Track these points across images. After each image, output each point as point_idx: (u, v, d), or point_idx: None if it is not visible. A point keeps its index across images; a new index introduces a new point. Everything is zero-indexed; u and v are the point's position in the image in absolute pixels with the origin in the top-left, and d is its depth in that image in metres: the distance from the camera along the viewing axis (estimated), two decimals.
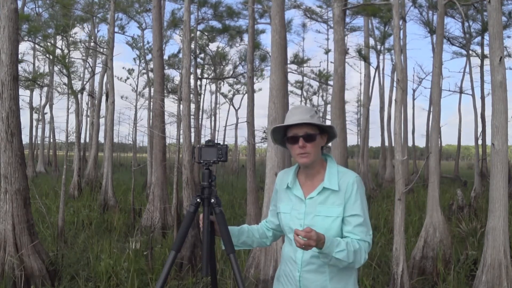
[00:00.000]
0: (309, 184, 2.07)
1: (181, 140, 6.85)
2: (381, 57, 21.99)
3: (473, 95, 18.20)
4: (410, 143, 24.11)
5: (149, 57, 20.28)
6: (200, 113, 23.19)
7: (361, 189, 1.99)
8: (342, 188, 1.98)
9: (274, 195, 2.23)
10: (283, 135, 2.10)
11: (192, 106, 11.49)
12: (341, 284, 1.99)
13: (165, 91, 14.18)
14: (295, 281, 2.02)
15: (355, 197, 1.96)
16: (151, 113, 16.32)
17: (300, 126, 1.99)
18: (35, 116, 29.45)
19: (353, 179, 1.98)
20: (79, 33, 37.29)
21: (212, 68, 22.29)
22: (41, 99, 27.60)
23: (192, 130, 10.41)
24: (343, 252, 1.84)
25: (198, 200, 2.08)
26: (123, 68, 42.06)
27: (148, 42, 21.03)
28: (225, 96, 32.17)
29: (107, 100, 14.09)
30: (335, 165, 2.07)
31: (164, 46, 14.22)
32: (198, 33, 18.16)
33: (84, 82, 23.01)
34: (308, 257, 1.98)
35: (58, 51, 13.14)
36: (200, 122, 21.15)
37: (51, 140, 29.42)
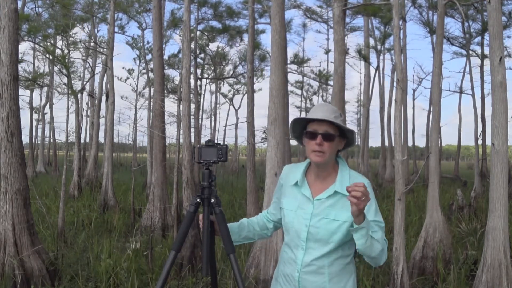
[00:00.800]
0: (318, 184, 2.03)
1: (181, 140, 6.85)
2: (381, 57, 22.01)
3: (473, 95, 18.21)
4: (410, 143, 24.12)
5: (149, 57, 20.28)
6: (200, 113, 23.19)
7: (372, 195, 1.96)
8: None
9: (278, 188, 2.19)
10: (302, 129, 2.06)
11: (192, 106, 11.49)
12: (340, 285, 1.98)
13: (165, 91, 14.18)
14: (294, 282, 2.01)
15: (369, 204, 1.93)
16: (151, 113, 16.33)
17: (321, 123, 1.95)
18: (35, 116, 29.49)
19: (365, 185, 1.97)
20: (79, 33, 37.27)
21: (212, 68, 22.29)
22: (41, 99, 27.66)
23: (192, 130, 10.42)
24: (378, 233, 1.83)
25: (198, 200, 2.08)
26: (123, 68, 42.04)
27: (148, 42, 21.03)
28: (225, 96, 32.20)
29: (107, 100, 14.10)
30: (347, 168, 2.03)
31: (164, 46, 14.21)
32: (198, 33, 18.17)
33: (84, 82, 23.02)
34: (308, 258, 1.98)
35: (58, 51, 13.15)
36: (200, 122, 21.15)
37: (51, 140, 29.43)
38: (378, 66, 21.41)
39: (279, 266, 2.16)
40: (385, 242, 1.91)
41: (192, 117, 8.37)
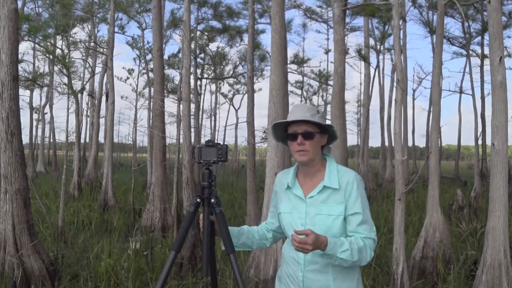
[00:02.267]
0: (309, 183, 2.07)
1: (181, 140, 6.85)
2: (381, 57, 21.99)
3: (473, 95, 18.22)
4: (410, 143, 24.12)
5: (149, 57, 20.29)
6: (200, 113, 23.19)
7: (361, 187, 2.00)
8: (342, 186, 1.98)
9: (273, 196, 2.23)
10: (284, 132, 2.11)
11: (192, 106, 11.49)
12: (345, 284, 1.99)
13: (165, 91, 14.17)
14: (298, 281, 2.01)
15: (356, 196, 1.97)
16: (151, 113, 16.33)
17: (299, 124, 2.00)
18: (35, 116, 29.47)
19: (353, 177, 1.99)
20: (79, 33, 37.24)
21: (212, 68, 22.28)
22: (41, 99, 27.63)
23: (192, 130, 10.42)
24: (347, 252, 1.85)
25: (198, 200, 2.08)
26: (123, 68, 42.02)
27: (148, 42, 21.01)
28: (225, 96, 32.18)
29: (107, 100, 14.10)
30: (335, 164, 2.07)
31: (164, 46, 14.20)
32: (198, 33, 18.16)
33: (84, 82, 23.02)
34: (311, 257, 1.98)
35: (58, 51, 13.15)
36: (200, 122, 21.15)
37: (51, 140, 29.42)
38: (378, 66, 21.39)
39: (282, 266, 2.16)
40: (364, 246, 1.92)
41: (192, 117, 8.37)
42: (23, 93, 23.77)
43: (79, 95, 19.71)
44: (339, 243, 1.85)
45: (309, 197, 2.02)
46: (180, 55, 18.46)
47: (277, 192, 2.18)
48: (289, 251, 2.09)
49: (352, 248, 1.87)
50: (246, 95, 14.82)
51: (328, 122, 2.13)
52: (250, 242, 2.23)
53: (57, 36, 15.45)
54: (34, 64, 22.76)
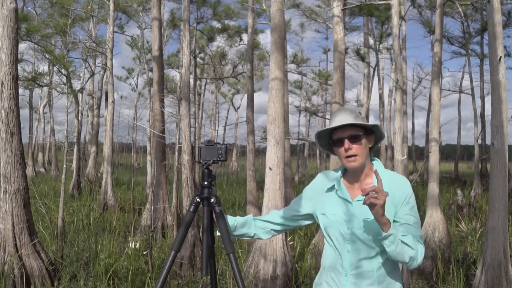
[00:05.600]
0: (357, 186, 2.01)
1: (181, 140, 6.85)
2: (380, 56, 21.96)
3: (472, 95, 18.23)
4: (410, 143, 24.13)
5: (148, 56, 20.26)
6: (200, 113, 23.19)
7: (412, 196, 1.95)
8: (392, 193, 1.91)
9: (309, 194, 2.14)
10: (328, 139, 2.04)
11: (192, 106, 11.49)
12: None
13: (164, 91, 14.17)
14: (342, 287, 1.97)
15: (407, 201, 1.92)
16: (151, 112, 16.33)
17: (344, 129, 1.94)
18: (34, 115, 29.50)
19: (404, 186, 1.94)
20: (78, 32, 37.16)
21: (212, 68, 22.28)
22: (41, 99, 27.61)
23: (192, 130, 10.41)
24: (408, 237, 1.79)
25: (197, 199, 2.08)
26: (123, 67, 41.90)
27: (147, 42, 21.00)
28: (225, 96, 32.19)
29: (106, 99, 14.10)
30: (383, 168, 2.02)
31: (163, 45, 14.20)
32: (197, 32, 18.17)
33: (84, 82, 23.02)
34: (355, 261, 1.94)
35: (57, 51, 13.15)
36: (200, 122, 21.15)
37: (51, 139, 29.40)
38: (377, 66, 21.37)
39: (322, 272, 2.10)
40: (418, 243, 1.85)
41: (192, 117, 8.37)
42: (23, 93, 23.80)
43: (79, 95, 19.69)
44: (398, 227, 1.79)
45: (356, 200, 1.95)
46: (180, 54, 18.45)
47: (316, 191, 2.10)
48: (332, 256, 2.02)
49: (412, 239, 1.80)
50: (246, 95, 14.83)
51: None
52: (252, 233, 2.20)
53: (57, 36, 15.44)
54: (34, 63, 22.74)
